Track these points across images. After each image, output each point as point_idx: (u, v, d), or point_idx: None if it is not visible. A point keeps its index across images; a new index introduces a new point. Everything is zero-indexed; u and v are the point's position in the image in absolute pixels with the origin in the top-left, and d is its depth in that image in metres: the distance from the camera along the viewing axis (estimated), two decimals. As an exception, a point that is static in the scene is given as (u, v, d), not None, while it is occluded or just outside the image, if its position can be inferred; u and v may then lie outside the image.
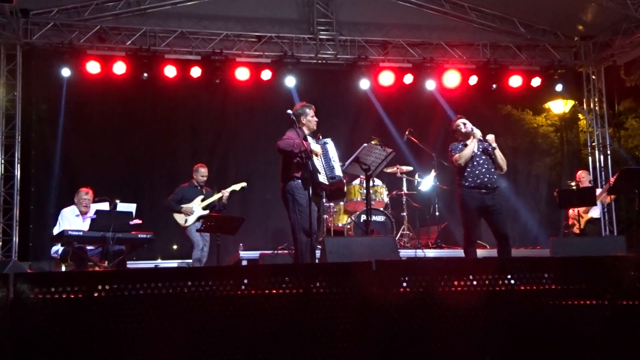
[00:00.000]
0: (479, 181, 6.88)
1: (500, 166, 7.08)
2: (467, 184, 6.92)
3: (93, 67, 11.14)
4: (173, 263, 10.61)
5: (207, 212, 9.16)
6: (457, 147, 7.11)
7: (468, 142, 7.04)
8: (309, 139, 6.76)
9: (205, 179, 9.50)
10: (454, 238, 10.46)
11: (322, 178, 6.61)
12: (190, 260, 9.33)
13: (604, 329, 3.12)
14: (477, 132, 7.03)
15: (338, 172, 6.80)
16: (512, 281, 3.19)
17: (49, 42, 11.20)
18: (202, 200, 9.29)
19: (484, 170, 6.93)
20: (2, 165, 10.88)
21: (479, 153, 7.01)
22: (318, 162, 6.65)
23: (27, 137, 11.18)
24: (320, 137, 7.01)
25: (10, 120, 11.00)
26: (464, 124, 7.18)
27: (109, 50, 11.36)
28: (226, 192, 9.30)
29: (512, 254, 7.26)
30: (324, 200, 7.79)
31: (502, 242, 6.86)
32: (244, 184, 9.51)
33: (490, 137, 7.07)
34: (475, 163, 6.95)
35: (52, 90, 11.38)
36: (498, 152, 7.05)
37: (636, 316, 3.16)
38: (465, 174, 6.94)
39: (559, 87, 12.78)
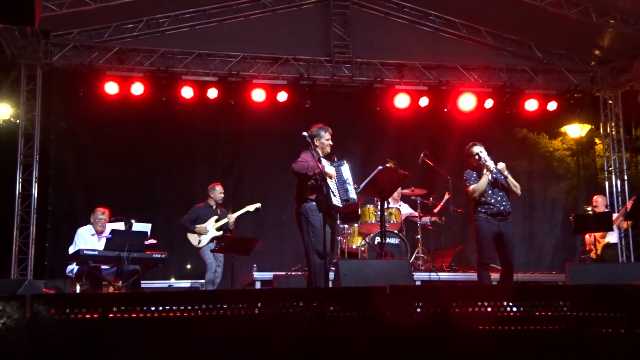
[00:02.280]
0: (495, 210, 7.07)
1: (514, 192, 7.22)
2: (483, 210, 7.10)
3: (111, 87, 11.26)
4: (187, 283, 10.61)
5: (220, 232, 9.18)
6: (472, 176, 7.25)
7: (484, 172, 7.13)
8: (324, 161, 6.78)
9: (223, 195, 9.53)
10: (469, 261, 10.39)
11: (336, 200, 6.62)
12: (204, 281, 9.34)
13: (620, 358, 3.09)
14: (491, 165, 7.14)
15: (352, 194, 6.81)
16: (528, 308, 3.17)
17: (68, 63, 11.35)
18: (217, 220, 9.31)
19: (498, 198, 7.11)
20: (20, 184, 10.98)
21: (492, 181, 7.15)
22: (332, 185, 6.66)
23: (45, 157, 11.29)
24: (336, 159, 7.03)
25: (29, 140, 11.13)
26: (479, 154, 7.23)
27: (127, 71, 11.49)
28: (232, 218, 9.31)
29: (526, 279, 7.33)
30: (338, 222, 7.79)
31: (507, 269, 7.14)
32: (258, 205, 9.53)
33: (502, 166, 7.19)
34: (490, 192, 7.12)
35: (71, 110, 11.54)
36: (510, 180, 7.18)
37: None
38: (481, 202, 7.12)
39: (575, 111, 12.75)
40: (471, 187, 7.17)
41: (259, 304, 2.98)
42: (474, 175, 7.25)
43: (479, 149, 7.27)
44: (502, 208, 7.06)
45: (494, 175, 7.19)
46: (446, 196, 10.42)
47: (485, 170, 7.13)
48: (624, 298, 3.16)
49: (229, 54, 11.86)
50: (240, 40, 11.98)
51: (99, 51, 11.48)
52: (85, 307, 2.81)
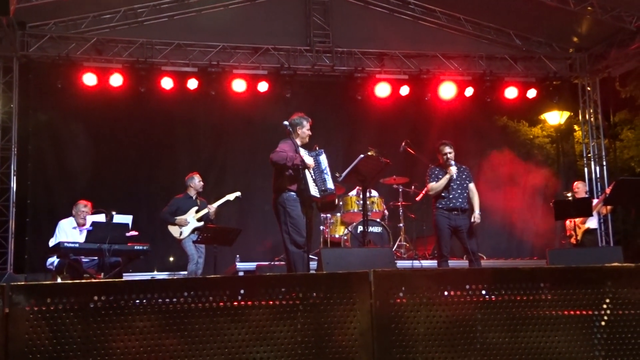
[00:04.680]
0: (451, 205, 7.55)
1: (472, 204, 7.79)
2: (441, 206, 7.58)
3: (90, 79, 11.14)
4: (169, 275, 10.56)
5: (201, 223, 9.13)
6: (433, 173, 7.69)
7: (447, 174, 7.56)
8: (302, 150, 6.76)
9: (202, 183, 9.47)
10: (451, 249, 10.44)
11: (314, 191, 6.63)
12: (186, 273, 9.30)
13: (600, 338, 3.12)
14: (453, 170, 7.56)
15: (330, 184, 6.82)
16: (510, 291, 3.20)
17: (45, 54, 11.22)
18: (197, 211, 9.25)
19: (457, 195, 7.58)
20: (-2, 177, 10.86)
21: (455, 178, 7.59)
22: (310, 175, 6.66)
23: (23, 149, 11.16)
24: (317, 147, 7.02)
25: (7, 132, 10.99)
26: (447, 155, 7.63)
27: (105, 62, 11.39)
28: (212, 208, 9.25)
29: (507, 266, 7.56)
30: (320, 213, 7.81)
31: (471, 259, 7.52)
32: (238, 194, 9.46)
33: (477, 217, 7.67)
34: (450, 188, 7.57)
35: (49, 102, 11.41)
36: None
37: (633, 326, 3.16)
38: (440, 197, 7.60)
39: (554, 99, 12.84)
40: (430, 185, 7.69)
41: (242, 291, 2.97)
42: (436, 171, 7.68)
43: (448, 150, 7.67)
44: (457, 204, 7.55)
45: (459, 175, 7.64)
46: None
47: (447, 173, 7.55)
48: (603, 279, 3.20)
49: (209, 44, 11.79)
50: (220, 30, 11.91)
51: (76, 42, 11.35)
52: (66, 296, 2.79)
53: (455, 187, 7.60)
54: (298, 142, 6.78)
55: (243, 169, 12.03)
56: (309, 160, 6.67)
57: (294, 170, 6.56)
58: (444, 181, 7.56)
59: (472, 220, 7.61)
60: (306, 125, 6.92)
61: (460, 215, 7.55)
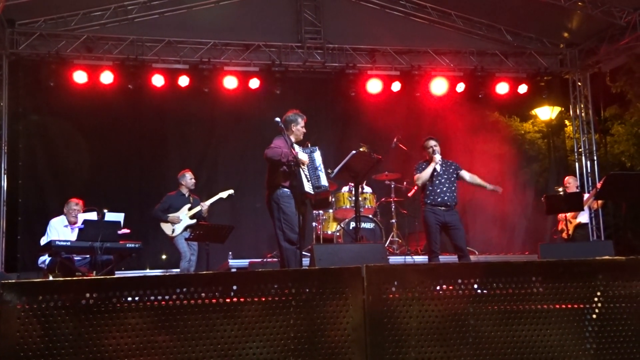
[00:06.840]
0: (439, 199, 7.52)
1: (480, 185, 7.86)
2: (429, 201, 7.57)
3: (80, 77, 11.09)
4: (161, 272, 10.54)
5: (194, 221, 9.12)
6: (421, 167, 7.73)
7: (432, 163, 7.62)
8: (297, 147, 6.77)
9: (194, 181, 9.46)
10: (443, 244, 10.46)
11: (308, 187, 6.63)
12: (178, 270, 9.29)
13: (591, 331, 3.14)
14: (437, 157, 7.61)
15: (324, 181, 6.82)
16: (501, 285, 3.21)
17: (35, 52, 11.15)
18: (190, 209, 9.24)
19: (444, 189, 7.56)
20: (-11, 176, 10.79)
21: (441, 172, 7.59)
22: (304, 171, 6.66)
23: (14, 148, 11.09)
24: (309, 144, 7.02)
25: (-3, 131, 10.94)
26: (433, 147, 7.68)
27: (96, 60, 11.33)
28: (205, 205, 9.23)
29: (498, 261, 7.58)
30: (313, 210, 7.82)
31: (460, 255, 7.54)
32: (231, 192, 9.46)
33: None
34: (437, 182, 7.57)
35: (39, 100, 11.34)
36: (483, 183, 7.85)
37: (624, 318, 3.18)
38: (428, 192, 7.59)
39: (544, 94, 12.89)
40: (416, 175, 7.70)
41: (235, 287, 2.97)
42: (423, 165, 7.71)
43: (433, 143, 7.72)
44: (445, 198, 7.52)
45: (447, 168, 7.64)
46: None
47: (432, 163, 7.59)
48: (594, 273, 3.22)
49: (200, 41, 11.75)
50: (211, 27, 11.87)
51: (66, 40, 11.29)
52: (57, 294, 2.78)
53: (442, 180, 7.56)
54: (292, 139, 6.78)
55: (235, 165, 12.01)
56: (303, 157, 6.68)
57: (288, 167, 6.55)
58: (429, 169, 7.55)
59: (495, 189, 7.77)
60: (301, 122, 6.91)
61: (449, 211, 7.51)
